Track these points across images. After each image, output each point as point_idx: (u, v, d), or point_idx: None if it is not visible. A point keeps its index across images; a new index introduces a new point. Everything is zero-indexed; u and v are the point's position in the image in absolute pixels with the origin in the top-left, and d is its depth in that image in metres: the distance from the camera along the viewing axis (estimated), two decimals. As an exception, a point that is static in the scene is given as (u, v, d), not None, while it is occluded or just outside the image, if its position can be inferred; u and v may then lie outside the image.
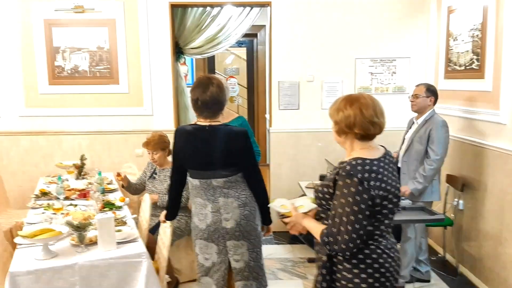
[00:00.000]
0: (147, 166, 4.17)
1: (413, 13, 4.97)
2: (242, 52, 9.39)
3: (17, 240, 2.77)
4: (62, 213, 3.25)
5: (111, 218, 2.73)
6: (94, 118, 5.07)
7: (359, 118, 1.89)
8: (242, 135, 2.64)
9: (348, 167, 1.83)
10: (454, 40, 4.30)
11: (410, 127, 3.93)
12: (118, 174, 4.01)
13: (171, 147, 4.04)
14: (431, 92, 3.76)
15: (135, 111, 5.08)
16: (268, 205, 2.26)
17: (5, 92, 4.94)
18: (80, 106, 5.03)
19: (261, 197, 2.74)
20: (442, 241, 4.48)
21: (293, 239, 4.90)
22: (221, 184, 2.63)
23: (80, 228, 2.67)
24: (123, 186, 4.14)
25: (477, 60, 3.89)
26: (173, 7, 5.00)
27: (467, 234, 4.06)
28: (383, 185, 1.84)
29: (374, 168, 1.84)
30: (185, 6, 5.11)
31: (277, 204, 2.20)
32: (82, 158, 4.59)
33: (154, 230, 3.61)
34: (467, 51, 4.05)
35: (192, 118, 5.69)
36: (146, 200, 3.47)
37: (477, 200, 3.90)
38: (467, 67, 4.07)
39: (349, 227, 1.79)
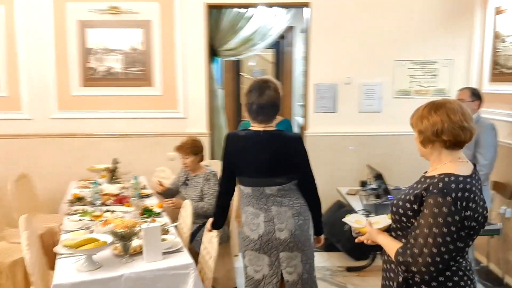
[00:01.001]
0: (181, 170, 4.05)
1: (455, 14, 4.77)
2: (268, 53, 9.24)
3: (58, 249, 2.67)
4: (101, 220, 3.15)
5: (158, 227, 2.62)
6: (127, 121, 4.98)
7: (447, 124, 1.74)
8: (298, 141, 2.57)
9: (441, 184, 1.67)
10: (501, 42, 4.10)
11: None
12: (161, 184, 3.95)
13: (204, 152, 3.95)
14: (476, 96, 3.59)
15: (168, 114, 4.98)
16: (343, 220, 2.12)
17: (37, 94, 4.88)
18: (112, 109, 4.95)
19: (315, 206, 2.64)
20: (486, 250, 4.26)
21: (328, 247, 4.73)
22: (275, 192, 2.53)
23: (125, 238, 2.55)
24: (157, 192, 4.04)
25: (531, 62, 3.69)
26: (210, 8, 4.88)
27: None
28: (474, 205, 1.68)
29: (468, 186, 1.68)
30: (221, 7, 4.99)
31: (351, 219, 2.06)
32: (115, 162, 4.49)
33: (191, 238, 3.49)
34: (519, 53, 3.86)
35: (223, 121, 5.58)
36: (187, 207, 3.35)
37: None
38: (520, 70, 3.88)
39: (434, 250, 1.63)
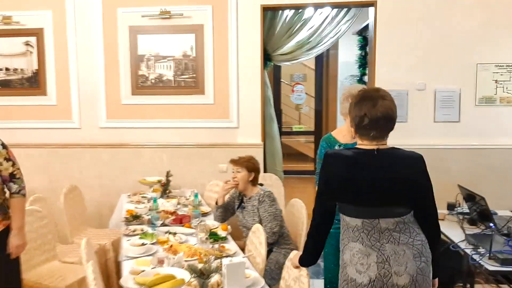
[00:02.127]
0: (234, 191, 3.73)
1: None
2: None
3: (127, 283, 2.41)
4: (167, 245, 2.88)
5: (243, 264, 2.33)
6: (176, 131, 4.73)
7: None
8: (420, 160, 2.13)
9: None
10: None
11: None
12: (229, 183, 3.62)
13: (259, 175, 3.60)
14: None
15: (220, 123, 4.70)
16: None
17: (87, 102, 4.68)
18: (162, 118, 4.71)
19: (437, 242, 2.21)
20: None
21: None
22: (391, 226, 2.10)
23: (204, 275, 2.28)
24: (216, 204, 3.71)
25: None
26: (265, 10, 4.59)
27: None
28: None
29: None
30: (278, 9, 4.70)
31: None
32: (168, 175, 4.24)
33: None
34: None
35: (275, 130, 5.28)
36: (258, 233, 3.05)
37: None
38: None
39: None
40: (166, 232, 3.19)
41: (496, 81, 4.45)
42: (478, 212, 3.33)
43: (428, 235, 2.16)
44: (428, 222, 2.17)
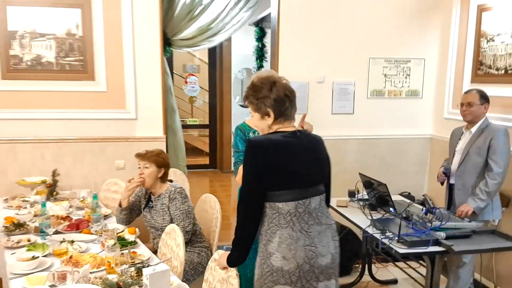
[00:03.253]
0: (140, 188, 3.27)
1: (429, 10, 4.56)
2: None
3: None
4: (66, 257, 2.35)
5: (167, 271, 1.93)
6: (62, 123, 4.04)
7: None
8: (323, 142, 2.26)
9: None
10: (488, 41, 3.94)
11: (460, 138, 3.48)
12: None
13: (169, 170, 3.23)
14: (485, 98, 3.35)
15: (115, 114, 4.14)
16: None
17: None
18: (43, 107, 3.98)
19: None
20: (478, 263, 3.99)
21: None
22: (317, 204, 2.12)
23: (124, 289, 1.84)
24: (120, 206, 3.20)
25: (527, 63, 3.53)
26: (162, -12, 4.14)
27: (508, 254, 3.65)
28: None
29: None
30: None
31: None
32: (55, 174, 3.62)
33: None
34: (510, 53, 3.70)
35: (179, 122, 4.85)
36: (174, 234, 2.65)
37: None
38: (510, 71, 3.73)
39: None
40: (61, 241, 2.63)
41: (385, 75, 4.59)
42: (377, 197, 3.45)
43: None
44: (327, 201, 2.25)
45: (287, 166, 2.04)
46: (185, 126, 8.71)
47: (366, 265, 4.03)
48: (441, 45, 4.59)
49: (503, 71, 3.80)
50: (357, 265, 4.19)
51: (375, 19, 4.49)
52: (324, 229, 2.12)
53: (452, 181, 3.49)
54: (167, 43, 4.51)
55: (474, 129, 3.37)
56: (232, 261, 2.14)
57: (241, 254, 2.11)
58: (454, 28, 4.39)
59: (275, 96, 2.07)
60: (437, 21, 4.58)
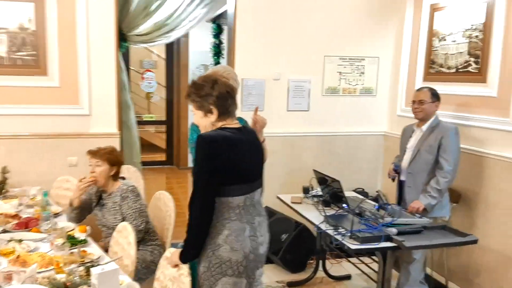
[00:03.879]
0: (91, 187, 3.25)
1: (383, 11, 4.69)
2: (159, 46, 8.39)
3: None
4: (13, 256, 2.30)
5: (117, 271, 1.93)
6: (14, 118, 3.93)
7: None
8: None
9: None
10: (440, 40, 4.07)
11: (411, 136, 3.58)
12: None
13: (121, 168, 3.20)
14: (436, 96, 3.46)
15: (68, 110, 4.05)
16: None
17: None
18: (-8, 103, 3.88)
19: None
20: (430, 258, 4.11)
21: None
22: (258, 197, 2.27)
23: (71, 289, 1.82)
24: (71, 205, 3.15)
25: (476, 62, 3.70)
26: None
27: (459, 249, 3.81)
28: None
29: None
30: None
31: None
32: (4, 171, 3.54)
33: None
34: (461, 52, 3.85)
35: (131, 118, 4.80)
36: (125, 232, 2.63)
37: (472, 211, 3.71)
38: (460, 70, 3.87)
39: None
40: (9, 241, 2.57)
41: (340, 73, 4.69)
42: (331, 194, 3.50)
43: None
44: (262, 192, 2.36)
45: (239, 161, 2.12)
46: (141, 122, 8.65)
47: (321, 261, 4.08)
48: (395, 44, 4.72)
49: (454, 70, 3.93)
50: (311, 261, 4.24)
51: (331, 18, 4.57)
52: (262, 219, 2.28)
53: (403, 177, 3.58)
54: (122, 38, 4.45)
55: (425, 127, 3.45)
56: (186, 257, 2.16)
57: (198, 251, 2.15)
58: (407, 27, 4.52)
59: (217, 93, 2.12)
60: (392, 21, 4.71)
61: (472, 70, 3.73)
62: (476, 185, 3.64)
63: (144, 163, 7.66)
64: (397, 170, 3.61)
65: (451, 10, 3.96)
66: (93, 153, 3.09)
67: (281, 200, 3.83)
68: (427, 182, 3.37)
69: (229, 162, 2.08)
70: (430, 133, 3.41)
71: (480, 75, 3.65)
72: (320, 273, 4.07)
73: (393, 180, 3.72)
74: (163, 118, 8.61)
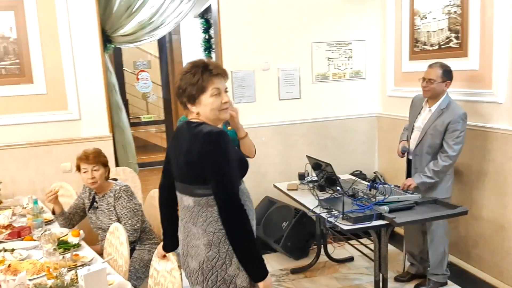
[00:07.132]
0: (83, 190, 3.26)
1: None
2: (151, 45, 8.35)
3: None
4: (4, 266, 2.30)
5: (103, 270, 1.92)
6: (2, 129, 3.93)
7: None
8: (219, 137, 1.91)
9: None
10: (422, 19, 4.04)
11: (419, 113, 3.49)
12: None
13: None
14: (447, 75, 3.28)
15: (57, 116, 4.05)
16: None
17: None
18: (-20, 114, 3.88)
19: (233, 240, 1.90)
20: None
21: (264, 248, 4.31)
22: (191, 204, 1.97)
23: (58, 293, 1.82)
24: (53, 213, 3.19)
25: (456, 38, 3.67)
26: (98, -16, 4.05)
27: (457, 223, 3.81)
28: None
29: None
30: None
31: None
32: (-4, 182, 3.52)
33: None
34: (442, 29, 3.82)
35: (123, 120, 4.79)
36: (117, 232, 2.63)
37: (465, 185, 3.69)
38: (442, 46, 3.83)
39: None
40: (0, 251, 2.57)
41: (328, 58, 4.65)
42: (325, 178, 3.49)
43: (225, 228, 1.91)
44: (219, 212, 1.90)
45: (171, 155, 2.11)
46: (140, 124, 8.65)
47: (322, 246, 4.10)
48: (380, 25, 4.68)
49: (437, 47, 3.90)
50: (314, 247, 4.25)
51: (315, 4, 4.53)
52: (198, 232, 2.00)
53: (410, 157, 3.51)
54: (107, 40, 4.42)
55: (434, 107, 3.32)
56: (165, 247, 2.24)
57: (169, 238, 2.21)
58: (390, 8, 4.49)
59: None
60: (376, 2, 4.66)
61: (454, 46, 3.70)
62: (467, 158, 3.61)
63: (147, 164, 7.71)
64: (404, 152, 3.56)
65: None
66: (87, 159, 3.05)
67: (278, 188, 3.82)
68: None
69: (168, 153, 2.15)
70: (438, 116, 3.27)
71: (461, 50, 3.62)
72: (323, 258, 4.08)
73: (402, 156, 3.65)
74: (162, 117, 8.59)
